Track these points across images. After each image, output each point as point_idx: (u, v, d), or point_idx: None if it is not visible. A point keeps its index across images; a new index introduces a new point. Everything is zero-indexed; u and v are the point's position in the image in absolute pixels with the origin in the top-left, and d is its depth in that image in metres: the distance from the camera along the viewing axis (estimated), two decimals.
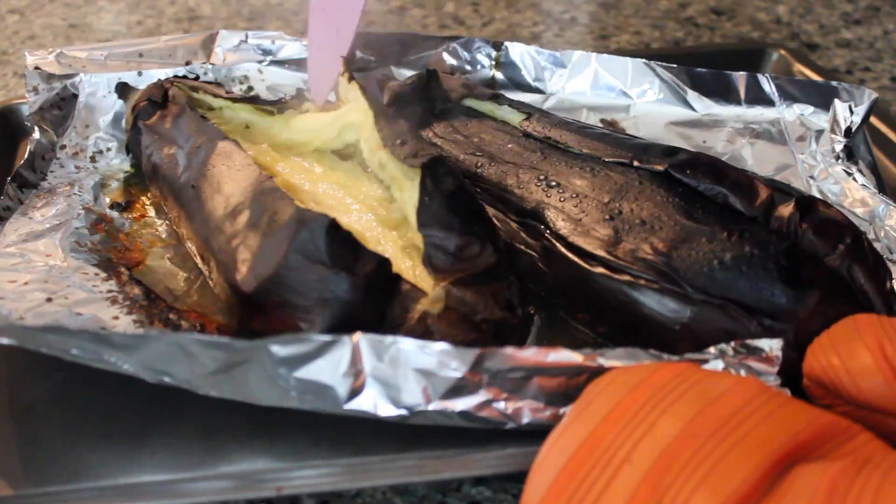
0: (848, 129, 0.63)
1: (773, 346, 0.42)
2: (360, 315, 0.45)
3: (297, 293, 0.45)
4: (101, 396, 0.47)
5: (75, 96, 0.68)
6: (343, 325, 0.44)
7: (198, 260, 0.55)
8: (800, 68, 0.80)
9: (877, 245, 0.55)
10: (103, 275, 0.53)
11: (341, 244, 0.45)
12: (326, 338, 0.41)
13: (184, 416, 0.46)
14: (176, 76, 0.69)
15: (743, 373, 0.42)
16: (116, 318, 0.49)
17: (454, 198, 0.49)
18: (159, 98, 0.64)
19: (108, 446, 0.45)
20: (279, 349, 0.41)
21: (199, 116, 0.60)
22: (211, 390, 0.43)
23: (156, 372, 0.43)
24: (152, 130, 0.62)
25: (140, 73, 0.70)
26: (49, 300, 0.49)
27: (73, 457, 0.45)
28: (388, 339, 0.41)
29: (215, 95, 0.65)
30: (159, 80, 0.68)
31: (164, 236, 0.59)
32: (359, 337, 0.41)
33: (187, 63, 0.72)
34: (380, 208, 0.53)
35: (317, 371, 0.41)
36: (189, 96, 0.64)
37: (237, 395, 0.43)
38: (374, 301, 0.45)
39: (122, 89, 0.68)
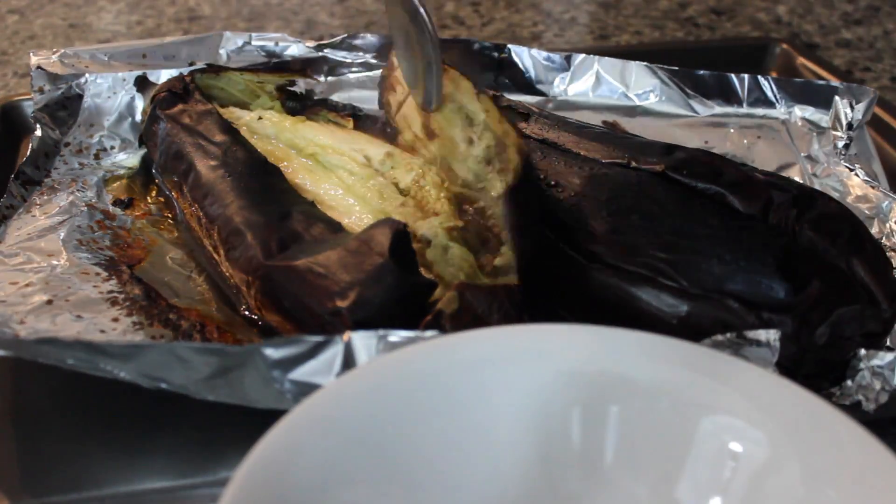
0: (849, 127, 0.64)
1: (770, 336, 0.42)
2: (392, 307, 0.44)
3: (345, 270, 0.45)
4: (100, 404, 0.47)
5: (80, 97, 0.68)
6: (375, 309, 0.44)
7: (211, 241, 0.54)
8: (803, 61, 0.81)
9: (882, 241, 0.55)
10: (104, 274, 0.53)
11: (405, 248, 0.45)
12: (318, 338, 0.41)
13: (184, 422, 0.46)
14: (197, 69, 0.69)
15: (740, 364, 0.42)
16: (116, 319, 0.49)
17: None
18: (180, 89, 0.64)
19: (108, 454, 0.45)
20: (272, 352, 0.41)
21: (230, 125, 0.60)
22: (208, 395, 0.43)
23: (152, 379, 0.43)
24: (173, 119, 0.62)
25: (143, 74, 0.70)
26: (49, 302, 0.49)
27: (73, 466, 0.45)
28: (379, 332, 0.41)
29: (240, 70, 0.67)
30: (181, 73, 0.68)
31: (165, 234, 0.59)
32: (349, 335, 0.41)
33: (191, 64, 0.72)
34: (381, 214, 0.53)
35: (311, 373, 0.41)
36: (210, 93, 0.64)
37: (234, 398, 0.43)
38: (407, 305, 0.45)
39: (142, 83, 0.69)
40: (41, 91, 0.67)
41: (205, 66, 0.69)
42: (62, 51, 0.70)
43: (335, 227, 0.50)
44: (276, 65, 0.71)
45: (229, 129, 0.60)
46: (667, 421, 0.36)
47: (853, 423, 0.34)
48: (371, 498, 0.34)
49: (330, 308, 0.44)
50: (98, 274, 0.53)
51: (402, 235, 0.45)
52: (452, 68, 0.59)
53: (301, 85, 0.72)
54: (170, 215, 0.61)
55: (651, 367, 0.37)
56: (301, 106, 0.69)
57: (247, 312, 0.51)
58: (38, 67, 0.68)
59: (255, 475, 0.32)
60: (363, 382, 0.36)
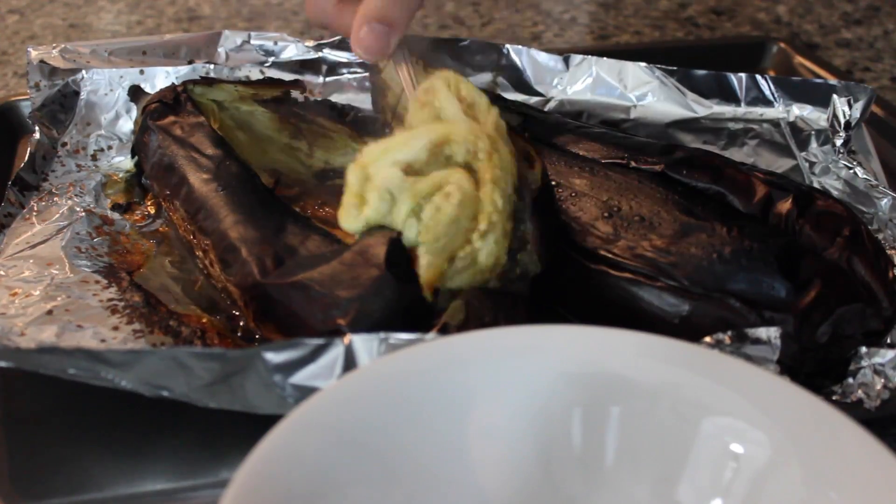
0: (847, 125, 0.64)
1: (770, 334, 0.42)
2: (392, 318, 0.44)
3: (342, 285, 0.45)
4: (102, 406, 0.47)
5: (77, 93, 0.68)
6: (376, 322, 0.44)
7: (206, 258, 0.54)
8: (800, 61, 0.81)
9: (881, 238, 0.55)
10: (104, 282, 0.53)
11: (401, 257, 0.45)
12: (319, 341, 0.41)
13: (185, 422, 0.46)
14: (189, 80, 0.68)
15: (741, 364, 0.42)
16: (116, 328, 0.49)
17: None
18: (170, 100, 0.64)
19: (109, 456, 0.45)
20: (273, 356, 0.41)
21: (222, 138, 0.60)
22: (210, 402, 0.43)
23: (153, 387, 0.43)
24: (164, 131, 0.61)
25: (142, 71, 0.70)
26: (50, 312, 0.49)
27: (75, 468, 0.45)
28: (381, 334, 0.41)
29: (235, 82, 0.67)
30: (172, 83, 0.68)
31: (165, 239, 0.59)
32: (350, 338, 0.41)
33: (190, 62, 0.72)
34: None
35: (312, 376, 0.41)
36: (200, 103, 0.64)
37: (236, 405, 0.43)
38: (408, 315, 0.44)
39: (135, 92, 0.68)
40: (37, 87, 0.67)
41: (198, 78, 0.69)
42: (63, 45, 0.70)
43: (331, 239, 0.50)
44: (269, 78, 0.71)
45: (221, 141, 0.60)
46: (668, 422, 0.37)
47: (854, 424, 0.34)
48: (370, 500, 0.34)
49: (330, 325, 0.44)
50: (98, 282, 0.53)
51: (396, 245, 0.45)
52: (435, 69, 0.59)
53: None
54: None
55: (652, 368, 0.37)
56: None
57: (244, 325, 0.51)
58: (41, 61, 0.67)
59: (255, 477, 0.32)
60: (362, 384, 0.36)
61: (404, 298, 0.44)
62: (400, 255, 0.45)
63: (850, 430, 0.33)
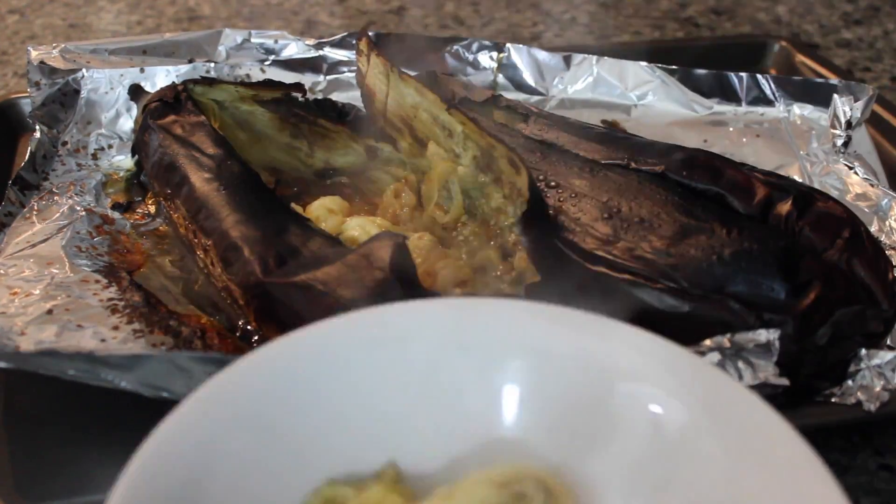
0: (848, 124, 0.64)
1: (770, 335, 0.42)
2: None
3: (346, 286, 0.45)
4: (102, 406, 0.47)
5: (77, 92, 0.68)
6: None
7: (207, 257, 0.54)
8: (802, 59, 0.81)
9: (882, 239, 0.55)
10: (104, 281, 0.53)
11: (406, 261, 0.45)
12: None
13: None
14: (190, 80, 0.68)
15: (741, 364, 0.42)
16: (116, 327, 0.49)
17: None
18: (171, 99, 0.64)
19: (110, 457, 0.45)
20: None
21: (223, 137, 0.60)
22: None
23: (153, 388, 0.43)
24: (165, 130, 0.61)
25: (143, 70, 0.70)
26: (50, 312, 0.49)
27: (76, 469, 0.45)
28: None
29: (235, 84, 0.67)
30: (173, 82, 0.68)
31: (165, 238, 0.59)
32: None
33: (190, 61, 0.71)
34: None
35: None
36: (200, 102, 0.64)
37: None
38: None
39: (136, 91, 0.68)
40: (38, 86, 0.67)
41: (198, 78, 0.69)
42: (63, 45, 0.70)
43: (333, 241, 0.50)
44: (269, 80, 0.71)
45: (222, 141, 0.60)
46: (580, 385, 0.36)
47: (767, 406, 0.33)
48: (270, 479, 0.34)
49: None
50: (98, 281, 0.53)
51: (401, 249, 0.45)
52: (414, 78, 0.59)
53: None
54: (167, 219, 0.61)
55: (563, 336, 0.37)
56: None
57: (244, 324, 0.51)
58: (41, 62, 0.67)
59: (150, 461, 0.32)
60: (263, 364, 0.36)
61: (407, 298, 0.44)
62: (405, 258, 0.45)
63: (763, 411, 0.33)
